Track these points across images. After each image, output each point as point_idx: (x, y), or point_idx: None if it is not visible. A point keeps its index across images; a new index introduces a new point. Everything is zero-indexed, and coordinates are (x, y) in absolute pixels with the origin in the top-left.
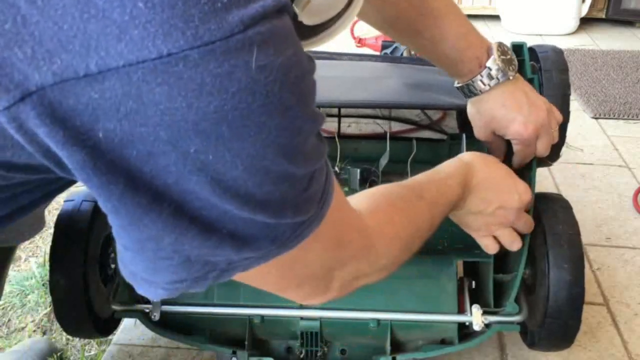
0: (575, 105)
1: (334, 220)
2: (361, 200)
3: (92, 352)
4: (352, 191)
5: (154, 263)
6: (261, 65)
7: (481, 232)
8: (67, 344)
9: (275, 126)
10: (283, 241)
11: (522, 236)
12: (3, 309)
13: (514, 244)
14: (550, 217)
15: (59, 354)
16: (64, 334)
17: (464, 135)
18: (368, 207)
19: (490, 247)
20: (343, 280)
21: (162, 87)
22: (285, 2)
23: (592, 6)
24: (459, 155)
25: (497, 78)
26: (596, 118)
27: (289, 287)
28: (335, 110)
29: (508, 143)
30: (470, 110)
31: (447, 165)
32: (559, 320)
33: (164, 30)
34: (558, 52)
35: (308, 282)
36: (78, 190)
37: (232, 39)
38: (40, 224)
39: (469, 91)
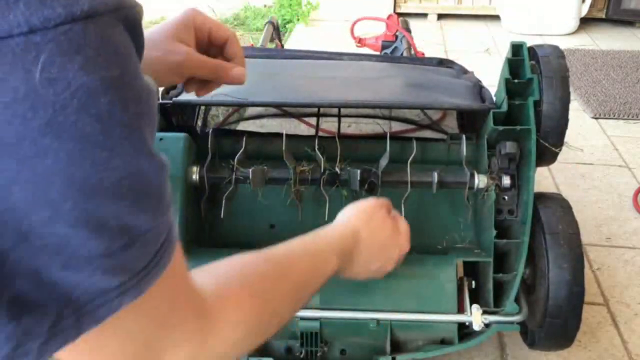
0: (575, 105)
1: (163, 296)
2: (211, 274)
3: None
4: (352, 192)
5: None
6: (50, 77)
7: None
8: None
9: (66, 152)
10: (80, 309)
11: (522, 236)
12: None
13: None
14: (549, 216)
15: None
16: None
17: (463, 137)
18: (217, 285)
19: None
20: None
21: None
22: (116, 6)
23: (592, 6)
24: (344, 218)
25: None
26: (596, 118)
27: None
28: (335, 110)
29: None
30: None
31: (330, 233)
32: (558, 320)
33: None
34: (555, 48)
35: None
36: None
37: (10, 40)
38: None
39: None
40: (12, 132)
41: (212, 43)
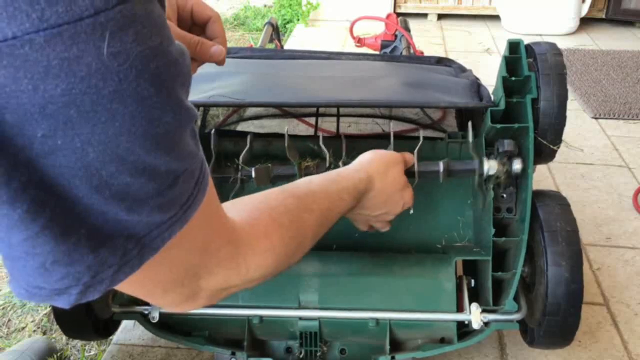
0: (575, 105)
1: (201, 225)
2: (242, 208)
3: (92, 352)
4: None
5: (10, 261)
6: (114, 52)
7: (360, 225)
8: (67, 343)
9: (130, 114)
10: (141, 241)
11: (520, 234)
12: (3, 309)
13: (384, 229)
14: (548, 214)
15: (58, 353)
16: None
17: (470, 124)
18: (248, 217)
19: (361, 229)
20: (210, 290)
21: (8, 70)
22: None
23: (592, 6)
24: (363, 162)
25: None
26: (596, 118)
27: (154, 293)
28: (334, 110)
29: None
30: None
31: (348, 175)
32: (557, 318)
33: (8, 13)
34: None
35: (173, 289)
36: None
37: (82, 23)
38: None
39: None
40: (87, 101)
41: (194, 22)
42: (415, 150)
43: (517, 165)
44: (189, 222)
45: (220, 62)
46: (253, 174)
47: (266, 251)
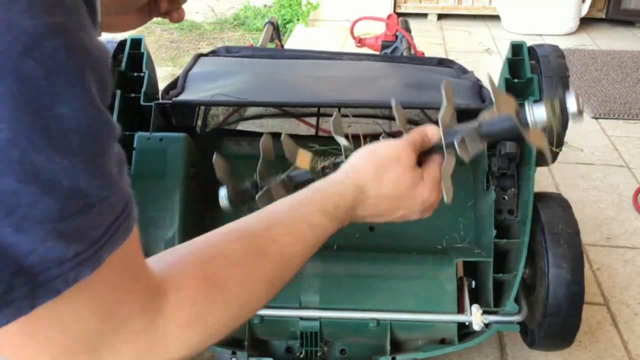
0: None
1: (113, 279)
2: (170, 261)
3: None
4: None
5: None
6: None
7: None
8: None
9: (12, 96)
10: (34, 279)
11: (522, 236)
12: None
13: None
14: (549, 216)
15: None
16: None
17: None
18: (175, 275)
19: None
20: None
21: None
22: None
23: (592, 6)
24: (349, 168)
25: None
26: (596, 118)
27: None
28: (335, 110)
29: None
30: None
31: (325, 190)
32: (558, 319)
33: None
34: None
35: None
36: None
37: None
38: None
39: None
40: None
41: None
42: (440, 116)
43: (572, 108)
44: (97, 270)
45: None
46: (272, 192)
47: (192, 324)
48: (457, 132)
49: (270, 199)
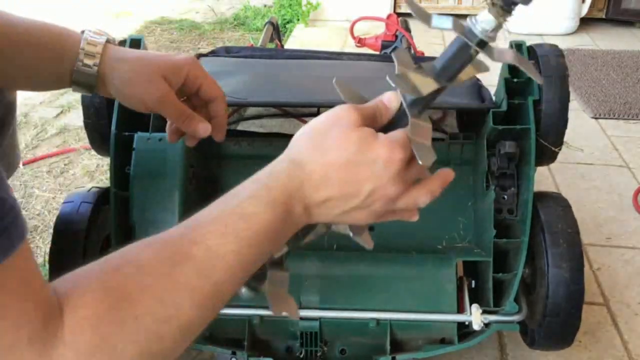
0: (575, 105)
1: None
2: (71, 280)
3: None
4: None
5: None
6: None
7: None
8: None
9: None
10: None
11: (521, 235)
12: None
13: (412, 219)
14: (549, 215)
15: None
16: None
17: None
18: (72, 288)
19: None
20: None
21: None
22: None
23: (592, 6)
24: (285, 150)
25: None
26: (596, 118)
27: None
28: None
29: None
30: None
31: (255, 177)
32: (558, 319)
33: None
34: (555, 48)
35: None
36: (77, 192)
37: None
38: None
39: None
40: None
41: (199, 97)
42: (395, 75)
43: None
44: None
45: (203, 137)
46: None
47: (97, 350)
48: (413, 85)
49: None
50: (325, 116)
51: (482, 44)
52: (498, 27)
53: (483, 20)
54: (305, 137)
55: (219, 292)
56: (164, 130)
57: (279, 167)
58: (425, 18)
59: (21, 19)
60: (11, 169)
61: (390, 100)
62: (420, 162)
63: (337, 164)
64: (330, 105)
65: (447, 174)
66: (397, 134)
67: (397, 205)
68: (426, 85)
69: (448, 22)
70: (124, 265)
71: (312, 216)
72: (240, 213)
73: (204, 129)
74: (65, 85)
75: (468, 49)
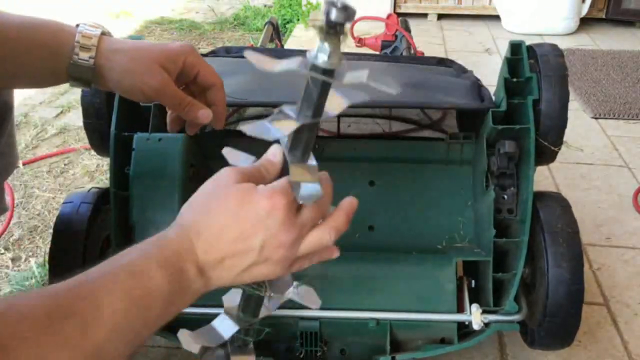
0: (575, 105)
1: None
2: None
3: None
4: None
5: None
6: None
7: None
8: None
9: None
10: None
11: (521, 235)
12: None
13: (328, 257)
14: (548, 215)
15: None
16: None
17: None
18: None
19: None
20: None
21: None
22: None
23: (592, 6)
24: (174, 221)
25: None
26: (596, 118)
27: None
28: None
29: None
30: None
31: (150, 240)
32: (558, 319)
33: None
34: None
35: None
36: (76, 192)
37: None
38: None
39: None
40: None
41: (197, 84)
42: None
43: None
44: None
45: (203, 122)
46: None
47: None
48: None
49: None
50: (208, 181)
51: (329, 73)
52: (335, 50)
53: (319, 49)
54: (191, 203)
55: (102, 352)
56: (164, 130)
57: (169, 232)
58: (270, 64)
59: (14, 16)
60: (10, 168)
61: (275, 154)
62: (299, 202)
63: (222, 223)
64: None
65: (349, 204)
66: (279, 181)
67: (302, 250)
68: (286, 126)
69: (293, 63)
70: (8, 312)
71: (210, 280)
72: (131, 270)
73: (204, 115)
74: (62, 80)
75: (317, 81)
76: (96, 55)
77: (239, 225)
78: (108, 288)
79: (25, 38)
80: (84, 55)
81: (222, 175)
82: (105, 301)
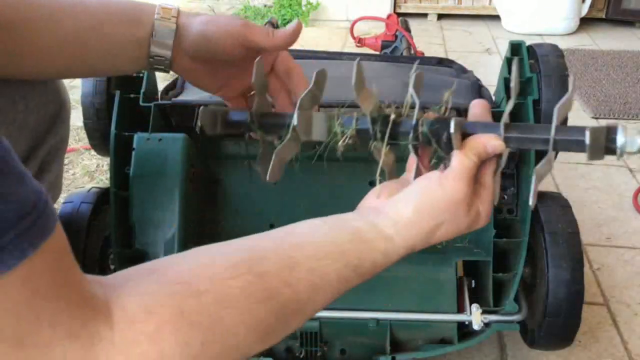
0: (575, 105)
1: (33, 284)
2: (134, 276)
3: None
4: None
5: None
6: None
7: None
8: None
9: None
10: None
11: (521, 235)
12: None
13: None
14: (549, 215)
15: None
16: None
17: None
18: (135, 292)
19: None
20: None
21: None
22: None
23: (592, 6)
24: (400, 223)
25: None
26: (596, 118)
27: None
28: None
29: None
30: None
31: (375, 240)
32: (558, 319)
33: None
34: (554, 47)
35: None
36: (76, 192)
37: None
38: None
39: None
40: None
41: (275, 71)
42: (504, 118)
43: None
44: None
45: (291, 43)
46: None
47: None
48: (526, 138)
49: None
50: (444, 197)
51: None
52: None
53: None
54: (425, 223)
55: (285, 331)
56: (163, 131)
57: (393, 249)
58: None
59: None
60: (54, 200)
61: (495, 148)
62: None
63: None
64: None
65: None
66: (489, 196)
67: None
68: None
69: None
70: (205, 294)
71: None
72: (339, 275)
73: (293, 27)
74: (144, 52)
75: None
76: (178, 16)
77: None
78: (314, 284)
79: (106, 7)
80: (166, 14)
81: (461, 201)
82: (306, 293)
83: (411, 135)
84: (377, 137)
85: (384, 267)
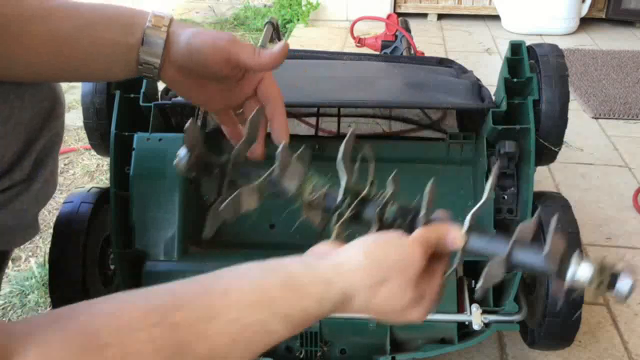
0: (575, 105)
1: None
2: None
3: None
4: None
5: None
6: None
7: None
8: None
9: None
10: None
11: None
12: (3, 309)
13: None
14: (548, 215)
15: None
16: None
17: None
18: (38, 339)
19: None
20: None
21: None
22: None
23: (592, 6)
24: (343, 266)
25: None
26: (596, 118)
27: None
28: (335, 110)
29: None
30: None
31: (308, 285)
32: (558, 319)
33: None
34: (554, 47)
35: None
36: (77, 192)
37: None
38: (33, 230)
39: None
40: None
41: (255, 97)
42: (468, 219)
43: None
44: None
45: (275, 66)
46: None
47: None
48: (483, 247)
49: (236, 207)
50: (396, 254)
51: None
52: (583, 288)
53: (582, 275)
54: (369, 272)
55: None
56: (163, 131)
57: (330, 293)
58: None
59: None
60: (50, 197)
61: (455, 241)
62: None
63: (375, 310)
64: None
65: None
66: (436, 287)
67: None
68: (496, 275)
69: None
70: (108, 346)
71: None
72: (265, 328)
73: (279, 48)
74: (133, 57)
75: (547, 274)
76: (169, 25)
77: (382, 316)
78: (233, 339)
79: (100, 10)
80: (157, 23)
81: (411, 264)
82: (224, 348)
83: (374, 217)
84: (342, 209)
85: (320, 317)
